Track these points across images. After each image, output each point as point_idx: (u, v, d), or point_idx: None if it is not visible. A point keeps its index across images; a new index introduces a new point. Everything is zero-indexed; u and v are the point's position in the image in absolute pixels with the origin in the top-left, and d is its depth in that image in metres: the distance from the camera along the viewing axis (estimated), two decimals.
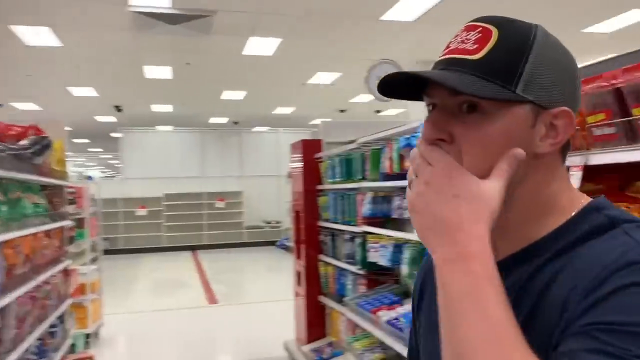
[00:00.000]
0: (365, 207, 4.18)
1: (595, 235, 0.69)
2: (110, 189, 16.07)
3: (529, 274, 0.72)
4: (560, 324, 0.63)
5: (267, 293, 9.58)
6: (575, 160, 1.92)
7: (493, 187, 0.68)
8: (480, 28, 0.73)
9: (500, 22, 0.73)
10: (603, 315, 0.59)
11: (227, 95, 13.26)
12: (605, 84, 1.78)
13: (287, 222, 16.64)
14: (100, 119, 16.11)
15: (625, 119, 1.73)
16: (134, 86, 12.00)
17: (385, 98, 0.95)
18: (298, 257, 5.73)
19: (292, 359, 5.64)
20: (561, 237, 0.72)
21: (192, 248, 16.28)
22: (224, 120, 17.06)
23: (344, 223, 4.79)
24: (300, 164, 5.51)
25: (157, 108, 14.74)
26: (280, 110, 15.69)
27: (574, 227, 0.72)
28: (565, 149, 0.77)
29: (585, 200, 0.77)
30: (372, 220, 4.18)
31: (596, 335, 0.58)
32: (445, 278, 0.65)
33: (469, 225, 0.65)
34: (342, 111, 15.84)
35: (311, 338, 5.48)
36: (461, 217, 0.66)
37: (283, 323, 6.31)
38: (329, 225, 5.16)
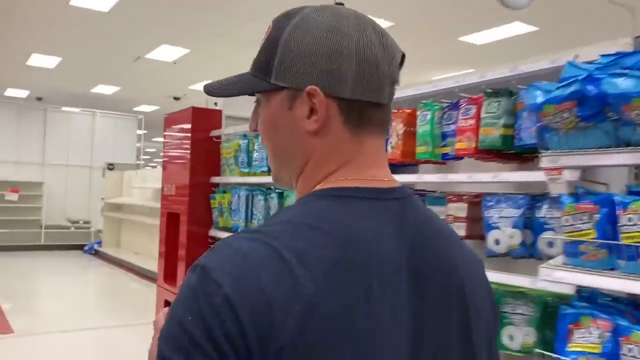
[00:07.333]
0: None
1: None
2: None
3: None
4: None
5: (76, 318, 7.28)
6: None
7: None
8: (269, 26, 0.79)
9: (277, 17, 0.78)
10: None
11: (37, 60, 10.50)
12: None
13: (99, 223, 14.01)
14: None
15: None
16: None
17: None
18: (167, 280, 3.94)
19: None
20: None
21: None
22: (24, 93, 13.86)
23: None
24: (182, 145, 3.74)
25: None
26: (101, 89, 13.14)
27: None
28: (354, 125, 0.75)
29: (329, 184, 0.75)
30: None
31: None
32: None
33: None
34: (176, 99, 13.83)
35: None
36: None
37: None
38: None
